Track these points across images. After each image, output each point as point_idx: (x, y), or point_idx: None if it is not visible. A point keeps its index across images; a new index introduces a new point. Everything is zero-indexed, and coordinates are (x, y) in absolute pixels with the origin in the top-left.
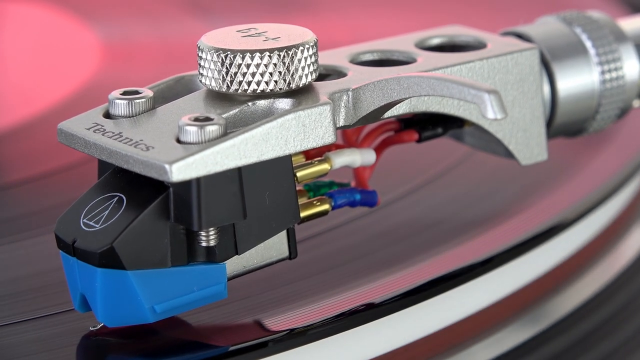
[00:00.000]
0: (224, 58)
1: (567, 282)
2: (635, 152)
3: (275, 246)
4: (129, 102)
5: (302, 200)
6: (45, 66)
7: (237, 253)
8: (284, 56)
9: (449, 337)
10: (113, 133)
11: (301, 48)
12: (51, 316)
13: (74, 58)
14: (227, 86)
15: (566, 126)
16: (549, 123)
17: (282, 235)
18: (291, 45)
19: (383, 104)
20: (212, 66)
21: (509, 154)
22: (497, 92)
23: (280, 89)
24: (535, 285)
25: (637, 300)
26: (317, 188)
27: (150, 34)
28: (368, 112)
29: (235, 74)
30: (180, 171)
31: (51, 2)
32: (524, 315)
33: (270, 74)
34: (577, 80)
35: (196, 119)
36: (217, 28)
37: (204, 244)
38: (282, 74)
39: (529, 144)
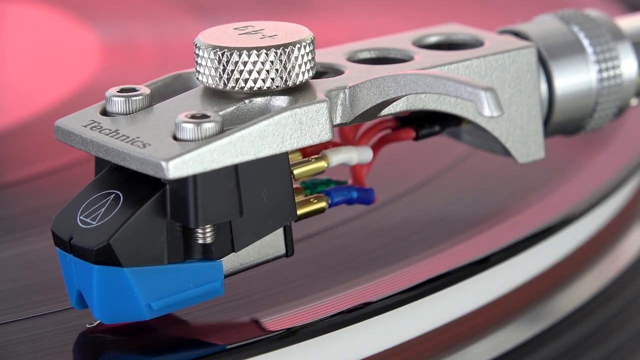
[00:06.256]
0: (220, 55)
1: (566, 282)
2: (634, 152)
3: (272, 244)
4: (126, 100)
5: (299, 198)
6: (45, 66)
7: (233, 250)
8: (280, 54)
9: (447, 337)
10: (110, 130)
11: (298, 46)
12: (48, 314)
13: (74, 58)
14: (224, 84)
15: (564, 124)
16: (546, 121)
17: (279, 233)
18: (288, 43)
19: (380, 101)
20: (209, 64)
21: (506, 152)
22: (494, 90)
23: (277, 86)
24: (534, 285)
25: (637, 300)
26: (314, 186)
27: (149, 34)
28: (365, 109)
29: (232, 71)
30: (176, 168)
31: (51, 2)
32: (523, 316)
33: (267, 71)
34: (574, 79)
35: (193, 117)
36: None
37: (200, 242)
38: (279, 71)
39: (526, 142)
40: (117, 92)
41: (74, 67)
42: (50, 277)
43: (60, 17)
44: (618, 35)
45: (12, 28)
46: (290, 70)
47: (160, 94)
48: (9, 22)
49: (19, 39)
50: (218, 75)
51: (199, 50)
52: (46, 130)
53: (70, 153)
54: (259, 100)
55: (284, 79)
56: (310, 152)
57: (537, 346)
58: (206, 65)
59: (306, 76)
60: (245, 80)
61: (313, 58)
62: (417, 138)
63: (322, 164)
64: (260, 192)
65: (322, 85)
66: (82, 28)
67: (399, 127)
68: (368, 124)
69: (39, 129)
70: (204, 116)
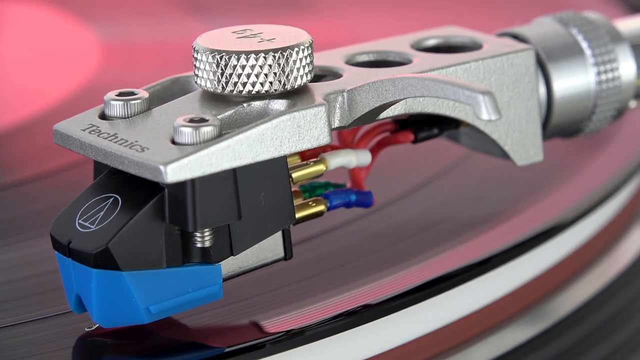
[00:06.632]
0: (219, 59)
1: (566, 283)
2: (633, 154)
3: (271, 247)
4: (124, 103)
5: (297, 201)
6: (45, 66)
7: (232, 254)
8: (279, 57)
9: (447, 338)
10: (108, 134)
11: (296, 49)
12: (47, 318)
13: (74, 58)
14: (222, 87)
15: (562, 127)
16: (545, 124)
17: (278, 236)
18: (286, 47)
19: (378, 105)
20: (207, 67)
21: (504, 155)
22: (492, 93)
23: (275, 90)
24: (534, 286)
25: (636, 301)
26: (313, 189)
27: (149, 34)
28: (363, 113)
29: (230, 75)
30: (175, 172)
31: (51, 2)
32: (523, 316)
33: (265, 75)
34: (573, 81)
35: (191, 120)
36: (216, 29)
37: (199, 245)
38: (277, 75)
39: (524, 145)
40: (116, 95)
41: (74, 67)
42: (49, 280)
43: (60, 17)
44: (617, 38)
45: (12, 28)
46: (288, 74)
47: (158, 98)
48: (9, 22)
49: (19, 39)
50: (216, 79)
51: (197, 54)
52: (46, 131)
53: (70, 155)
54: (257, 104)
55: (282, 83)
56: (308, 156)
57: (537, 346)
58: (205, 69)
59: (304, 80)
60: (244, 84)
61: (311, 61)
62: (415, 141)
63: (320, 167)
64: (258, 195)
65: (320, 89)
66: (82, 28)
67: (398, 130)
68: (367, 127)
69: (39, 130)
70: (203, 120)
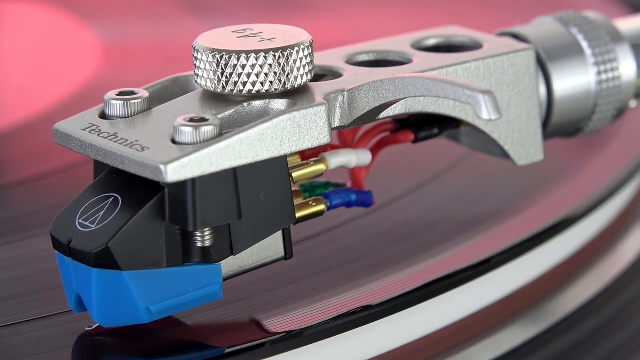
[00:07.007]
0: (219, 59)
1: (566, 283)
2: (634, 154)
3: (271, 246)
4: (124, 103)
5: (297, 201)
6: (45, 66)
7: (232, 253)
8: (279, 57)
9: (447, 339)
10: (109, 134)
11: (296, 49)
12: (47, 317)
13: (74, 58)
14: (223, 87)
15: (562, 127)
16: (545, 123)
17: (278, 236)
18: (286, 46)
19: (378, 104)
20: (208, 67)
21: (505, 155)
22: (492, 93)
23: (275, 89)
24: (535, 286)
25: (637, 301)
26: (313, 188)
27: (149, 34)
28: (363, 112)
29: (231, 74)
30: (175, 172)
31: (51, 2)
32: (524, 317)
33: (266, 74)
34: (573, 81)
35: (191, 120)
36: (217, 28)
37: (199, 245)
38: (277, 74)
39: (525, 145)
40: (116, 95)
41: (74, 66)
42: (49, 280)
43: (60, 17)
44: (617, 37)
45: (12, 28)
46: (288, 74)
47: (159, 97)
48: (9, 22)
49: (19, 39)
50: (217, 78)
51: (197, 54)
52: (46, 131)
53: (70, 155)
54: (257, 104)
55: (282, 82)
56: (309, 155)
57: (538, 347)
58: (205, 69)
59: (305, 79)
60: (244, 84)
61: (312, 61)
62: (416, 140)
63: (320, 166)
64: (259, 195)
65: (320, 88)
66: (82, 28)
67: (398, 130)
68: (367, 127)
69: (39, 130)
70: (203, 119)
